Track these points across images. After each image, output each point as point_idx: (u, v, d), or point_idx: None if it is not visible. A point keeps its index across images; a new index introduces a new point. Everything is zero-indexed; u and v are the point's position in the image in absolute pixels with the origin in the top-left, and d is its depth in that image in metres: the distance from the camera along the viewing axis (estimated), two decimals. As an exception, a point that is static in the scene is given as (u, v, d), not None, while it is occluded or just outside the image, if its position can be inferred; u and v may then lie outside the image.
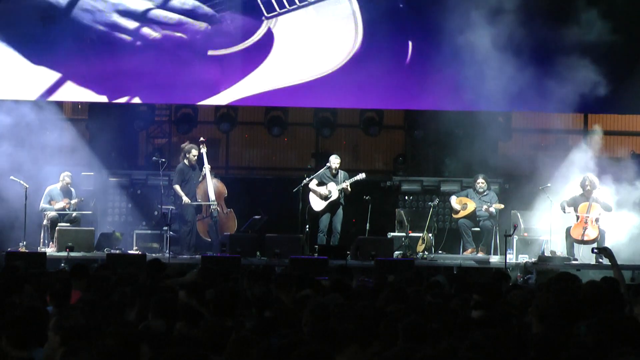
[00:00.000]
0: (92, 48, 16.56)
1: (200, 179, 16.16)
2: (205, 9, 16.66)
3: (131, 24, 16.62)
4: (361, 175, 16.10)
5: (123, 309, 6.72)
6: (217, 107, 18.38)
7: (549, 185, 15.99)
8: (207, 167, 16.15)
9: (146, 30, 16.66)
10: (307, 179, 16.13)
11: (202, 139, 16.48)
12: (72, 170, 16.38)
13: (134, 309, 6.76)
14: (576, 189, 15.66)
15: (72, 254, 14.97)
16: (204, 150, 16.23)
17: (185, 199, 15.81)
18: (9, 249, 15.08)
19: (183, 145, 16.30)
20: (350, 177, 16.10)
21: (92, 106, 18.24)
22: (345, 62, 16.77)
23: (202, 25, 16.63)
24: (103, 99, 16.99)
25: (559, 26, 16.38)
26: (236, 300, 6.85)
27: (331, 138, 19.16)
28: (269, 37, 16.70)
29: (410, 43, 16.79)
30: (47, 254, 14.68)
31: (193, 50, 16.69)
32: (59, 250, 15.25)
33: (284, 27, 16.73)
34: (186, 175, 16.01)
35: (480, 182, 16.29)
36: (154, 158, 16.87)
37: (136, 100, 17.20)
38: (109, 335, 4.87)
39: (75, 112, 19.38)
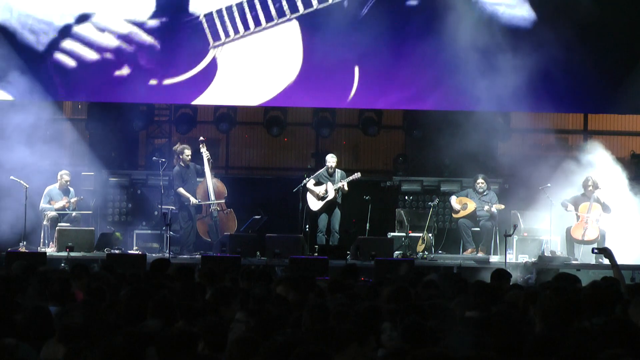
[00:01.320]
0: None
1: (200, 179, 16.19)
2: (151, 38, 16.79)
3: (76, 48, 16.79)
4: (357, 175, 16.09)
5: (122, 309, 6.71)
6: (217, 107, 18.43)
7: (549, 185, 15.98)
8: (207, 167, 16.16)
9: (90, 55, 16.79)
10: (307, 178, 16.13)
11: (202, 138, 16.49)
12: (72, 171, 16.39)
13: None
14: (577, 189, 15.67)
15: (72, 254, 14.97)
16: (204, 149, 16.23)
17: (193, 200, 15.83)
18: (9, 249, 15.07)
19: (175, 147, 16.28)
20: (347, 177, 16.10)
21: (92, 106, 18.25)
22: (289, 87, 16.97)
23: (147, 53, 16.85)
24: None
25: (558, 25, 16.38)
26: (229, 299, 6.86)
27: (330, 138, 19.17)
28: (213, 65, 16.89)
29: (356, 68, 16.92)
30: (47, 254, 14.68)
31: (138, 78, 16.91)
32: (59, 250, 15.25)
33: (228, 54, 16.89)
34: (184, 175, 16.02)
35: (480, 182, 16.29)
36: (154, 158, 16.87)
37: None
38: (118, 336, 4.88)
39: (75, 112, 19.39)
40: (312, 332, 5.33)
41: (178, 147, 16.16)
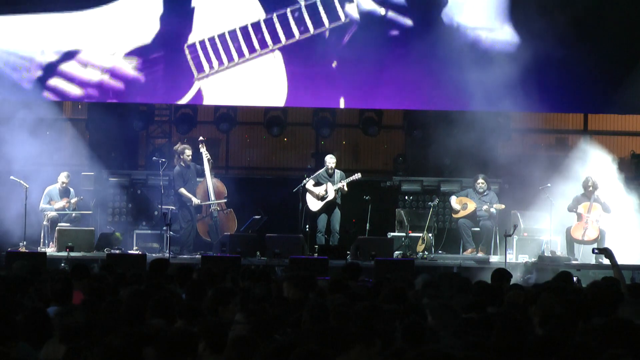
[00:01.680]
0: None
1: (200, 179, 16.20)
2: (136, 72, 16.82)
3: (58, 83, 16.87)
4: (357, 176, 16.09)
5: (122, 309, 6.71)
6: (217, 108, 18.43)
7: (549, 185, 15.99)
8: (207, 167, 16.15)
9: (74, 91, 16.83)
10: (307, 179, 16.13)
11: (201, 138, 16.48)
12: (72, 170, 16.38)
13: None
14: (577, 188, 15.67)
15: (72, 254, 14.97)
16: (203, 149, 16.23)
17: (195, 200, 15.84)
18: (9, 249, 15.07)
19: (175, 147, 16.26)
20: (347, 177, 16.09)
21: (92, 106, 18.25)
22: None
23: (132, 87, 16.92)
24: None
25: (558, 25, 16.38)
26: (228, 299, 6.86)
27: (331, 138, 19.17)
28: (199, 96, 16.99)
29: (342, 100, 17.03)
30: (47, 254, 14.68)
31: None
32: (59, 250, 15.26)
33: (213, 85, 16.97)
34: (185, 176, 16.01)
35: (480, 182, 16.28)
36: (154, 158, 16.87)
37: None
38: (115, 336, 4.87)
39: (75, 112, 19.39)
40: (312, 332, 5.32)
41: (179, 147, 16.15)
